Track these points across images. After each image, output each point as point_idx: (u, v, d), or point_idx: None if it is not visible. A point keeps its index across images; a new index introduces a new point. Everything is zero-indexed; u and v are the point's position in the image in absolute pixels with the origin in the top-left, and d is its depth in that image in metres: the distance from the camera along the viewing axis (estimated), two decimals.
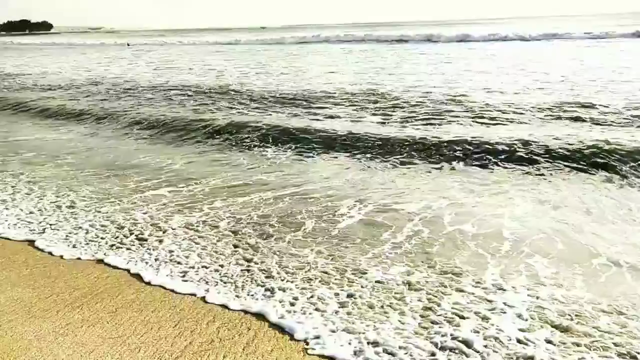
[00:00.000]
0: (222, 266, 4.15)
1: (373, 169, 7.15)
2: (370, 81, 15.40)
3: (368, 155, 7.66)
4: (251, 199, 5.89)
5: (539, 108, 10.04)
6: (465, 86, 13.53)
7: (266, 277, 3.94)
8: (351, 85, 14.39)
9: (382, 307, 3.47)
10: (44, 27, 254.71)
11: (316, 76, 17.61)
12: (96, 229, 5.01)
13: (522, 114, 9.73)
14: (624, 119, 8.70)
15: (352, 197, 5.90)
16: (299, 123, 9.73)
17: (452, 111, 10.21)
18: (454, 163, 7.12)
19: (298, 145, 8.32)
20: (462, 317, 3.32)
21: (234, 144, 8.79)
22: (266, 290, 3.74)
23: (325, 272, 3.99)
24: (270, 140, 8.66)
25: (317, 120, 10.06)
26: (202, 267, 4.14)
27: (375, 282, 3.83)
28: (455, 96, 11.93)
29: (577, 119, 8.93)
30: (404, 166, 7.19)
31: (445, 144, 7.74)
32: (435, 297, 3.58)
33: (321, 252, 4.38)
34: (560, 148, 7.08)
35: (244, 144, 8.71)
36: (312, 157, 7.82)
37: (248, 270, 4.06)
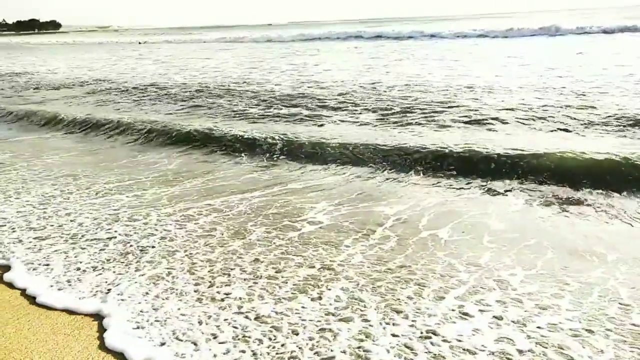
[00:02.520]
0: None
1: (365, 171, 6.35)
2: (374, 80, 14.62)
3: (363, 159, 6.76)
4: (213, 202, 5.29)
5: (541, 109, 9.22)
6: (467, 84, 12.72)
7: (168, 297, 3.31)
8: (353, 85, 13.57)
9: None
10: (52, 26, 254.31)
11: (317, 73, 16.96)
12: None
13: (521, 115, 8.95)
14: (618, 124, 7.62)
15: (327, 199, 5.26)
16: (298, 125, 8.97)
17: (453, 111, 9.41)
18: (445, 166, 6.22)
19: (291, 148, 7.44)
20: None
21: (229, 147, 7.88)
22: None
23: (239, 298, 3.26)
24: (265, 144, 7.68)
25: (316, 120, 9.27)
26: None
27: (283, 314, 3.04)
28: (457, 94, 11.19)
29: (574, 124, 7.91)
30: (395, 169, 6.34)
31: (441, 147, 6.81)
32: (371, 331, 2.87)
33: (250, 269, 3.68)
34: (555, 154, 6.06)
35: (241, 147, 7.77)
36: (303, 159, 7.02)
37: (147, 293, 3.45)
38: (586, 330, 2.82)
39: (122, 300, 3.28)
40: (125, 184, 6.14)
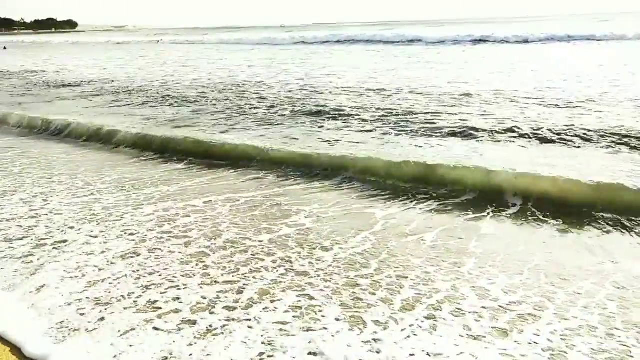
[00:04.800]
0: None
1: (366, 177, 5.92)
2: (381, 84, 14.31)
3: (367, 166, 6.12)
4: (197, 203, 5.10)
5: (549, 121, 8.80)
6: (474, 90, 12.34)
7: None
8: (361, 89, 13.27)
9: None
10: (69, 25, 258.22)
11: (326, 75, 16.73)
12: None
13: (525, 126, 8.57)
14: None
15: (320, 202, 5.01)
16: (307, 128, 8.65)
17: (456, 120, 9.08)
18: (442, 176, 5.79)
19: (299, 153, 6.88)
20: None
21: (238, 149, 7.31)
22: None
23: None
24: (272, 148, 7.10)
25: (323, 125, 8.90)
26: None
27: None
28: (463, 101, 10.89)
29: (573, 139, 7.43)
30: (396, 177, 5.79)
31: (442, 157, 6.47)
32: (322, 346, 2.60)
33: (211, 273, 3.43)
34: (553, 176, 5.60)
35: (250, 150, 7.18)
36: (311, 163, 6.50)
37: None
38: (566, 345, 2.55)
39: (50, 308, 3.04)
40: (122, 182, 5.95)
